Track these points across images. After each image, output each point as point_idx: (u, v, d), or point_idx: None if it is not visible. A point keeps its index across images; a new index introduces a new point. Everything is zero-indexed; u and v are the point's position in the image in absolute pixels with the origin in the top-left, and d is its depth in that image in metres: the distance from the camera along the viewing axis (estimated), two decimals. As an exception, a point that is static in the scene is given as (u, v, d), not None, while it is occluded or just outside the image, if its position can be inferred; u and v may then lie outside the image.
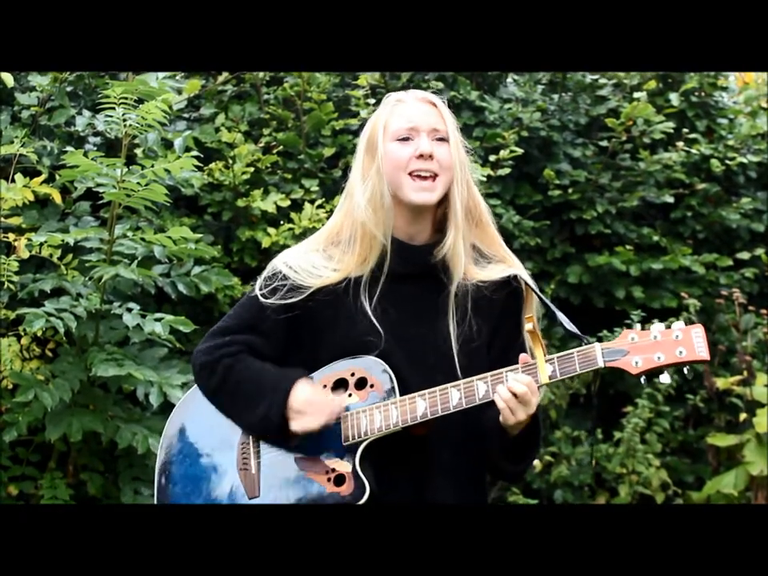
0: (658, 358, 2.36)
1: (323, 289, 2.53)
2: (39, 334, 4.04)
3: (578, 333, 2.46)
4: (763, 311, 5.30)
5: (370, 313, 2.50)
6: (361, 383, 2.50)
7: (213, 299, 4.45)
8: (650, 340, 2.37)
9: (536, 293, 2.55)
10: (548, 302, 2.54)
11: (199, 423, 2.63)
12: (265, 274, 2.62)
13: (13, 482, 4.16)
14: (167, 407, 3.92)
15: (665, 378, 2.39)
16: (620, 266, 5.18)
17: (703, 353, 2.34)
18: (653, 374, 2.39)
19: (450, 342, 2.51)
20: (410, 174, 2.50)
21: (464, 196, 2.53)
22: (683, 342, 2.35)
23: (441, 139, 2.53)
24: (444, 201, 2.54)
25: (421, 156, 2.49)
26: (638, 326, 2.42)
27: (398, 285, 2.53)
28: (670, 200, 5.38)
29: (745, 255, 5.44)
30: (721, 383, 5.13)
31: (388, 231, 2.51)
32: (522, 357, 2.42)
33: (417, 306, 2.54)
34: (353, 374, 2.50)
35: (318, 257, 2.57)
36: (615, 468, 4.97)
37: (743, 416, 5.06)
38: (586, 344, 2.40)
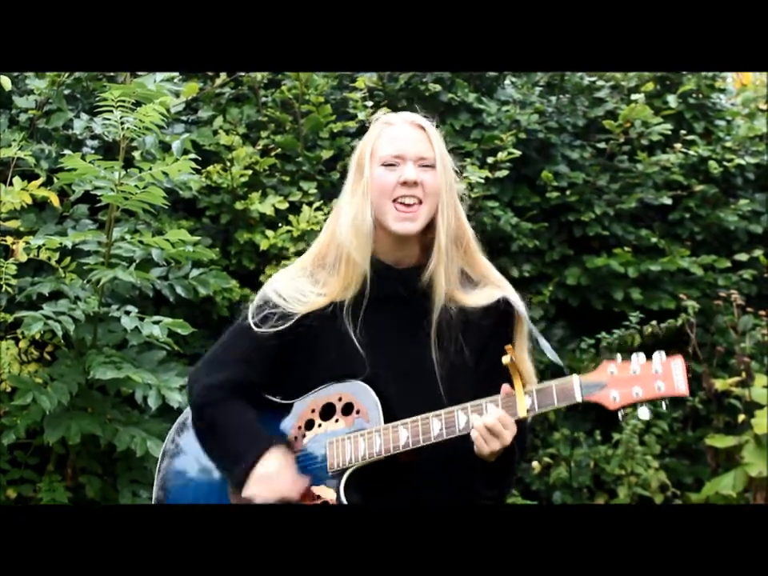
0: (636, 393, 2.32)
1: (311, 314, 2.54)
2: (37, 337, 4.03)
3: (560, 363, 2.45)
4: (761, 312, 5.30)
5: (354, 339, 2.50)
6: (347, 409, 2.50)
7: (211, 302, 4.45)
8: (629, 373, 2.33)
9: (523, 316, 2.53)
10: (533, 327, 2.53)
11: (194, 445, 2.63)
12: (256, 302, 2.62)
13: (11, 485, 4.16)
14: (165, 410, 3.93)
15: (643, 414, 2.34)
16: (618, 267, 5.18)
17: (682, 388, 2.30)
18: (632, 407, 2.35)
19: (433, 366, 2.50)
20: (394, 200, 2.50)
21: (450, 221, 2.53)
22: (663, 376, 2.31)
23: (427, 166, 2.52)
24: (430, 226, 2.53)
25: (405, 183, 2.49)
26: (619, 356, 2.37)
27: (384, 308, 2.53)
28: (668, 202, 5.38)
29: (743, 257, 5.43)
30: (719, 384, 5.13)
31: (367, 256, 2.51)
32: (504, 388, 2.40)
33: (402, 329, 2.54)
34: (340, 399, 2.51)
35: (305, 282, 2.58)
36: (614, 470, 4.97)
37: (742, 417, 5.06)
38: (564, 375, 2.38)
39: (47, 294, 3.94)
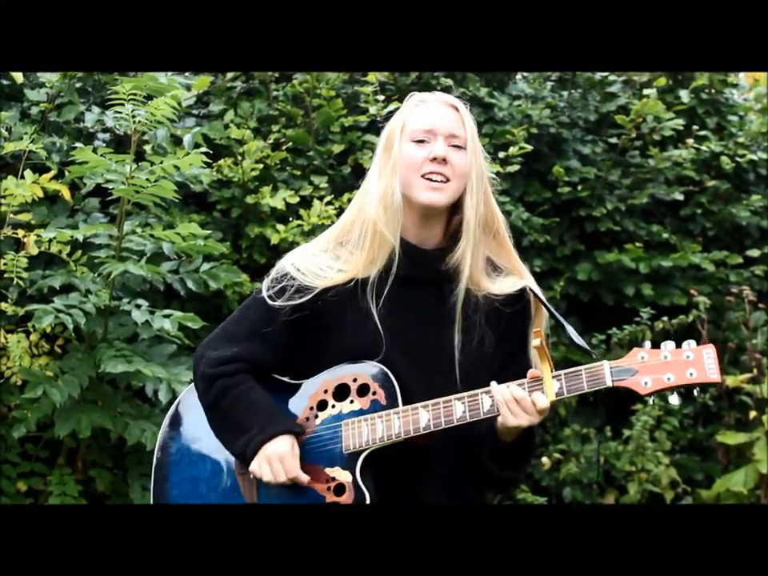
0: (668, 378, 2.33)
1: (330, 290, 2.50)
2: (48, 330, 4.04)
3: (588, 348, 2.45)
4: (773, 309, 5.29)
5: (375, 317, 2.47)
6: (363, 390, 2.47)
7: (222, 296, 4.44)
8: (660, 360, 2.34)
9: (547, 306, 2.52)
10: (558, 315, 2.52)
11: (198, 423, 2.61)
12: (272, 274, 2.60)
13: (22, 478, 4.17)
14: (176, 404, 3.94)
15: (674, 400, 2.35)
16: (629, 263, 5.17)
17: (714, 375, 2.31)
18: (662, 394, 2.36)
19: (452, 349, 2.48)
20: (422, 176, 2.48)
21: (480, 206, 2.51)
22: (694, 362, 2.32)
23: (458, 146, 2.50)
24: (458, 209, 2.51)
25: (434, 159, 2.47)
26: (648, 343, 2.38)
27: (405, 288, 2.50)
28: (680, 197, 5.36)
29: (755, 252, 5.41)
30: (730, 381, 5.11)
31: (397, 231, 2.48)
32: (531, 372, 2.40)
33: (423, 311, 2.51)
34: (355, 380, 2.48)
35: (325, 257, 2.54)
36: (624, 466, 4.96)
37: (753, 414, 5.05)
38: (594, 360, 2.38)
39: (58, 287, 3.94)
